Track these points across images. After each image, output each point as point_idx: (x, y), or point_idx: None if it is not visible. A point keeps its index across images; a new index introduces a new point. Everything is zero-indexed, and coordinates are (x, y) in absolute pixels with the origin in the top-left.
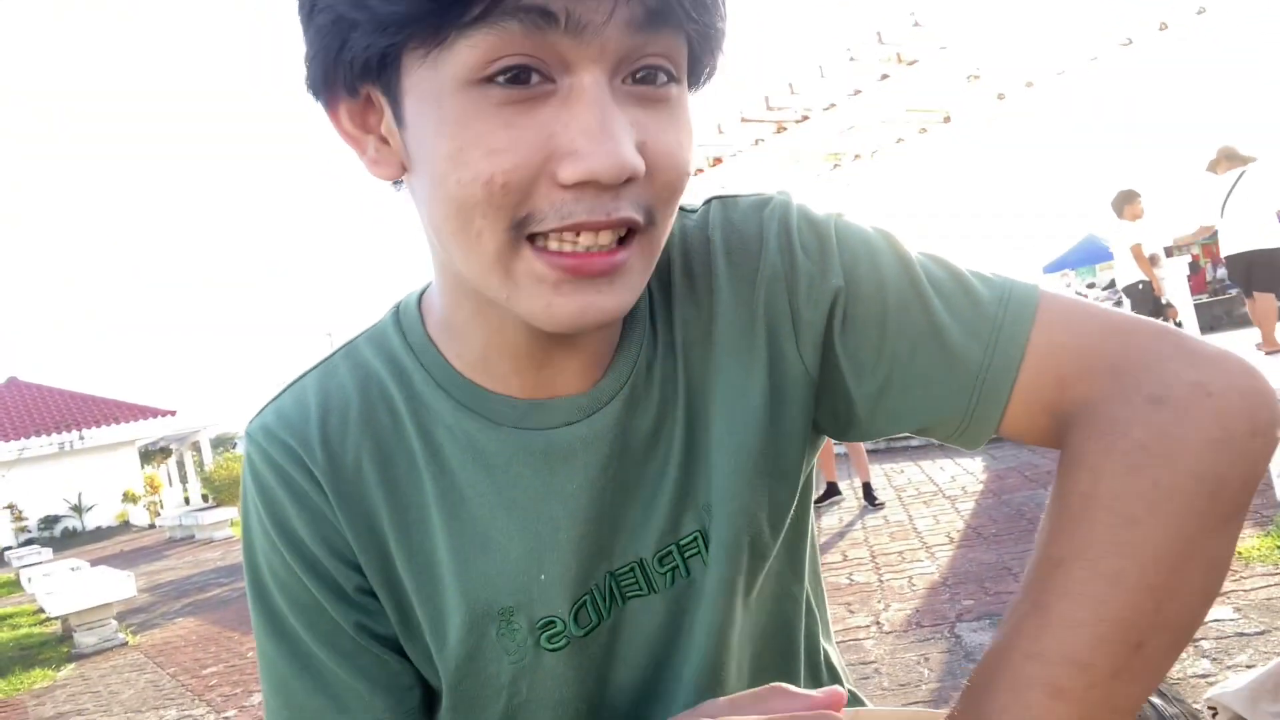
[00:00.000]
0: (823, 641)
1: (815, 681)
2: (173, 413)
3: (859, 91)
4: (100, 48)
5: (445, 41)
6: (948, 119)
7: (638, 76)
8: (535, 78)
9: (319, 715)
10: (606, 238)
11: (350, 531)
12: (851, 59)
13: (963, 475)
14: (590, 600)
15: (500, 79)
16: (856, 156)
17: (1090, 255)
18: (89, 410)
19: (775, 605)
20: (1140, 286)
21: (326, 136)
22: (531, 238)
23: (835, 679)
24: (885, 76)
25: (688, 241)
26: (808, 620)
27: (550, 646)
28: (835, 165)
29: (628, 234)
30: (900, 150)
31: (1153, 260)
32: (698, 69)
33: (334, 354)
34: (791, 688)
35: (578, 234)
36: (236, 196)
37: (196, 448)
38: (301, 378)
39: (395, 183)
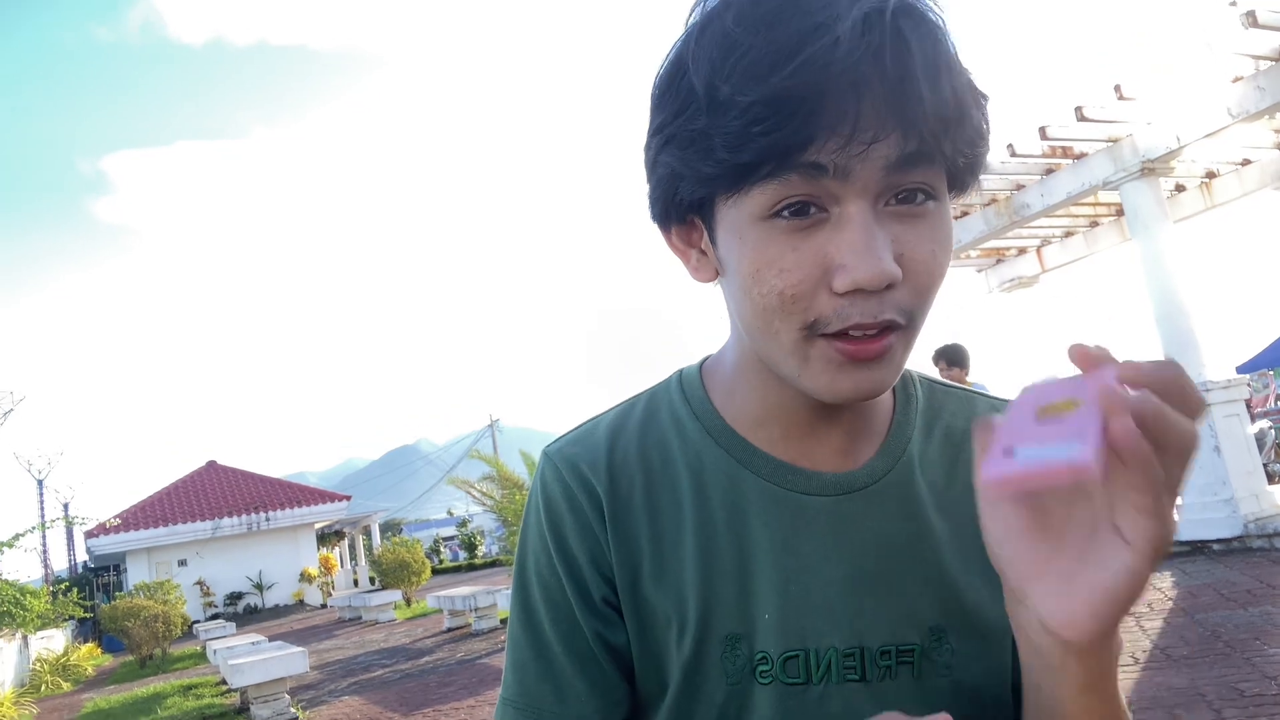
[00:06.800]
0: None
1: None
2: (348, 498)
3: (1021, 187)
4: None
5: (744, 190)
6: (1119, 212)
7: (899, 198)
8: (812, 209)
9: (541, 699)
10: (874, 331)
11: (614, 545)
12: (1014, 154)
13: (1149, 591)
14: (804, 658)
15: (785, 214)
16: (1021, 251)
17: None
18: (275, 493)
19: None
20: None
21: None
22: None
23: None
24: (1050, 170)
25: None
26: None
27: (761, 680)
28: (998, 260)
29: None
30: (1068, 245)
31: None
32: (958, 184)
33: (628, 401)
34: None
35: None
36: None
37: (367, 531)
38: (599, 417)
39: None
